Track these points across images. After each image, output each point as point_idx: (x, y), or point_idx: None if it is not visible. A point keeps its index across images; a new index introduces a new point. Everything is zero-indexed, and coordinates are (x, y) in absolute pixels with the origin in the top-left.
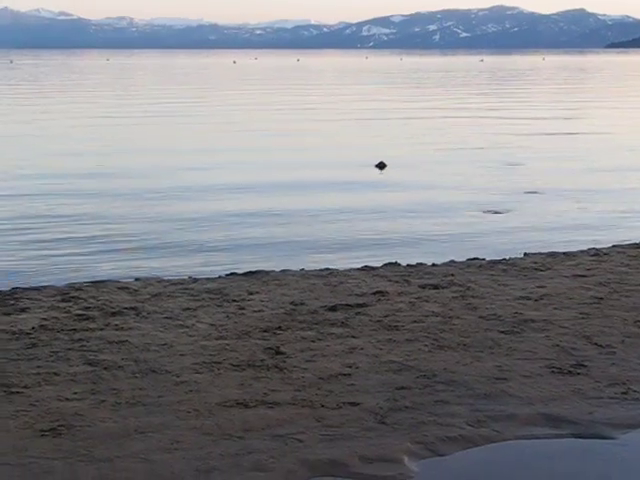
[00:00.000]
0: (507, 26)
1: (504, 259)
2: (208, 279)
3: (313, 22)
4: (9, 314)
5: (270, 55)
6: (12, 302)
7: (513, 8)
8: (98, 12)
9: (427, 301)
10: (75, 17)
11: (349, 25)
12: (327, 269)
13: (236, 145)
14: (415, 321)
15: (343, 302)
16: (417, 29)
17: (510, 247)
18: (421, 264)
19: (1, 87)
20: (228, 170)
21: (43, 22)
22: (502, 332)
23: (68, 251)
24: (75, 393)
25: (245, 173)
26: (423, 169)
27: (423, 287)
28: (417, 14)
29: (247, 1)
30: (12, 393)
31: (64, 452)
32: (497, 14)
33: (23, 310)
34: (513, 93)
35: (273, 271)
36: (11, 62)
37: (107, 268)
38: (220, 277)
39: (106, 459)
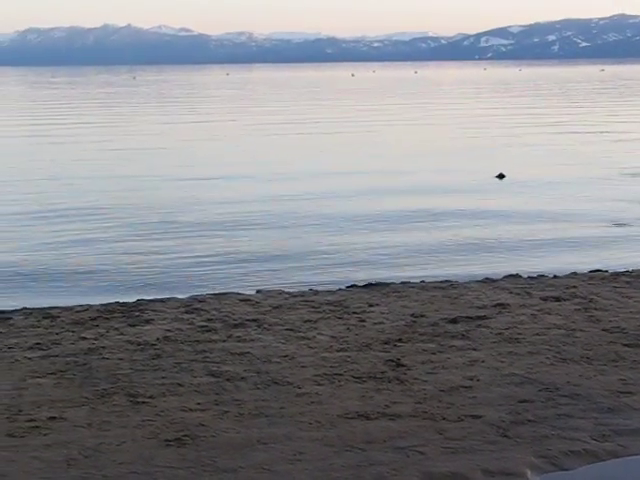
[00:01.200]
0: (628, 35)
1: (627, 271)
2: (328, 291)
3: (431, 34)
4: (134, 325)
5: (388, 68)
6: (137, 314)
7: (635, 16)
8: (218, 27)
9: (549, 313)
10: (195, 33)
11: (467, 36)
12: (447, 281)
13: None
14: (537, 334)
15: (463, 314)
16: (536, 39)
17: (633, 259)
18: (542, 276)
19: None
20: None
21: (164, 39)
22: (626, 345)
23: (191, 263)
24: (199, 404)
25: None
26: (543, 180)
27: (545, 299)
28: (536, 24)
29: (365, 14)
30: (138, 403)
31: (189, 462)
32: (618, 23)
33: (148, 322)
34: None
35: (393, 283)
36: (134, 78)
37: (229, 280)
38: (340, 289)
39: (230, 469)
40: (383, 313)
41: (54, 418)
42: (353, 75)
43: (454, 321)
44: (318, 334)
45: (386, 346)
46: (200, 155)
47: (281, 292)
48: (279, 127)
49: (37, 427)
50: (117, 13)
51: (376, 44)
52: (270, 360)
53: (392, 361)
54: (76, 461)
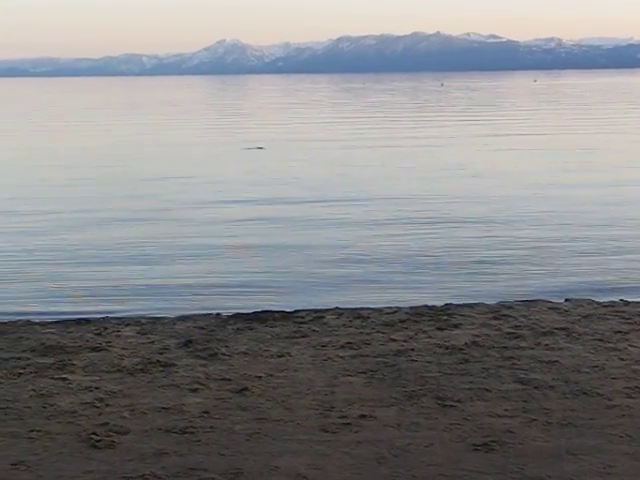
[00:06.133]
0: None
1: None
2: None
3: None
4: (442, 329)
5: None
6: (445, 317)
7: None
8: (527, 34)
9: None
10: (504, 39)
11: None
12: None
13: None
14: None
15: None
16: None
17: None
18: None
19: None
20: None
21: (472, 46)
22: None
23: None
24: (506, 410)
25: None
26: None
27: None
28: None
29: None
30: (446, 406)
31: (496, 468)
32: None
33: (456, 326)
34: None
35: None
36: (442, 85)
37: (538, 287)
38: None
39: (537, 478)
40: None
41: (364, 416)
42: None
43: None
44: (629, 346)
45: None
46: None
47: (591, 302)
48: None
49: (348, 424)
50: (426, 21)
51: None
52: (579, 370)
53: None
54: (385, 460)
